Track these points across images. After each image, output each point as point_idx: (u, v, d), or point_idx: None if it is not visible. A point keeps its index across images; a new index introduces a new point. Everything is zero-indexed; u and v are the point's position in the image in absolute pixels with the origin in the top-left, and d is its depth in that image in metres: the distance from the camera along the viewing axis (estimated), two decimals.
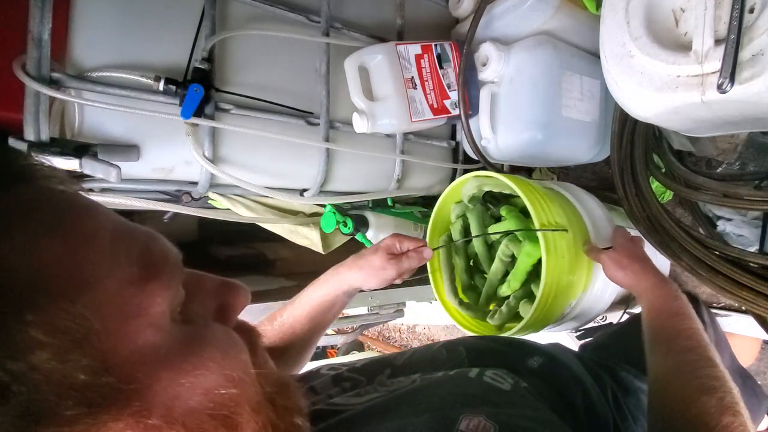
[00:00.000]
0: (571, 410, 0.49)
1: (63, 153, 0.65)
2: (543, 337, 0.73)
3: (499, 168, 1.10)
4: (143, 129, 0.75)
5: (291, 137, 0.85)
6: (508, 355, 0.54)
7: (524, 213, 0.76)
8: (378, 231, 0.99)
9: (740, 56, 0.48)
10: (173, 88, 0.74)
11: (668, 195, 1.11)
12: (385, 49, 0.91)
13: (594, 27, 0.69)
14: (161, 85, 0.73)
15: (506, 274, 0.78)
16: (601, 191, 1.15)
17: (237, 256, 1.33)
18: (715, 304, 1.12)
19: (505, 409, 0.34)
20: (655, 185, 0.98)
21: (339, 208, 0.98)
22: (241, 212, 0.91)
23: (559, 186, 0.83)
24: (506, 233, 0.75)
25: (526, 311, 0.70)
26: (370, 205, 1.03)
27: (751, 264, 0.74)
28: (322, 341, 0.68)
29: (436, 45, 0.96)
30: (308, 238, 1.00)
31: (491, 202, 0.84)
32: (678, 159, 0.88)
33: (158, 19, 0.76)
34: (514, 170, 1.20)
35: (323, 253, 1.01)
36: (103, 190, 0.78)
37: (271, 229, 0.99)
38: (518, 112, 0.92)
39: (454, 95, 0.97)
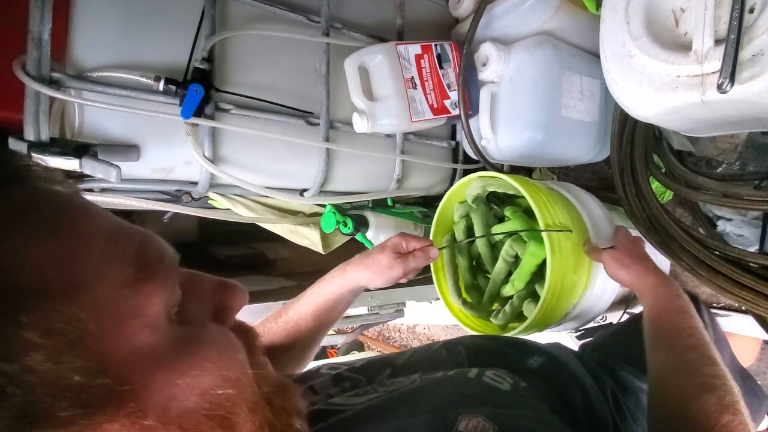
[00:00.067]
0: (570, 410, 0.49)
1: (63, 153, 0.65)
2: (543, 337, 0.73)
3: (499, 168, 1.10)
4: (143, 129, 0.75)
5: (291, 137, 0.85)
6: (507, 354, 0.54)
7: (528, 213, 0.76)
8: (378, 231, 0.99)
9: (740, 56, 0.48)
10: (173, 88, 0.74)
11: (668, 195, 1.11)
12: (385, 49, 0.91)
13: (594, 27, 0.69)
14: (161, 85, 0.73)
15: (509, 274, 0.79)
16: (601, 191, 1.15)
17: (237, 256, 1.33)
18: (715, 304, 1.12)
19: (505, 410, 0.34)
20: (655, 185, 0.98)
21: (339, 208, 0.98)
22: (241, 212, 0.91)
23: (559, 186, 0.83)
24: (510, 233, 0.75)
25: (530, 311, 0.70)
26: (370, 205, 1.03)
27: (751, 264, 0.74)
28: (323, 341, 0.68)
29: (436, 45, 0.96)
30: (308, 238, 1.00)
31: (495, 203, 0.84)
32: (678, 159, 0.89)
33: (158, 19, 0.76)
34: (514, 170, 1.20)
35: (323, 253, 1.01)
36: (103, 190, 0.78)
37: (271, 229, 0.99)
38: (518, 112, 0.92)
39: (454, 95, 0.97)
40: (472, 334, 0.75)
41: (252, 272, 1.25)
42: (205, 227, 1.39)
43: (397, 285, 0.67)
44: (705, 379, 0.43)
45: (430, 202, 1.18)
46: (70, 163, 0.65)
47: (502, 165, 1.14)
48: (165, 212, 0.90)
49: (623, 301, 1.04)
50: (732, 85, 0.48)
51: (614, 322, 1.06)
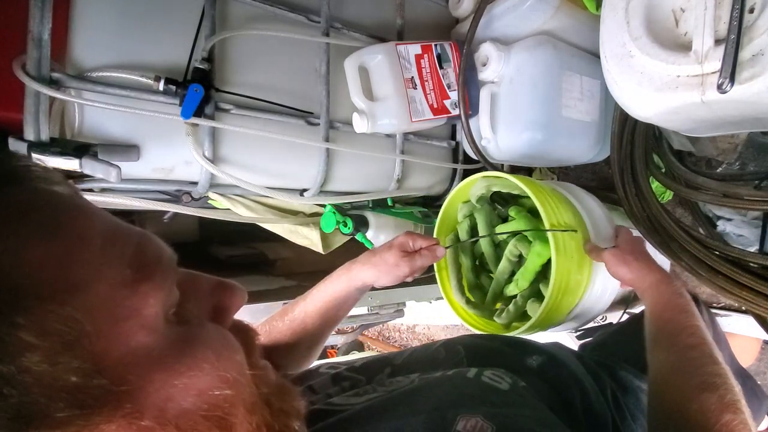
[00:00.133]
0: (569, 409, 0.49)
1: (63, 153, 0.65)
2: (543, 337, 0.73)
3: (498, 168, 1.10)
4: (143, 129, 0.75)
5: (291, 137, 0.85)
6: (507, 354, 0.54)
7: (532, 213, 0.76)
8: (378, 231, 0.99)
9: (740, 56, 0.48)
10: (173, 88, 0.74)
11: (668, 195, 1.11)
12: (385, 49, 0.91)
13: (594, 27, 0.69)
14: (161, 85, 0.73)
15: (513, 273, 0.79)
16: (601, 191, 1.15)
17: (237, 256, 1.33)
18: (715, 304, 1.12)
19: (503, 409, 0.34)
20: (655, 185, 0.98)
21: (339, 208, 0.98)
22: (241, 212, 0.91)
23: (559, 186, 0.83)
24: (515, 233, 0.75)
25: (534, 310, 0.70)
26: (370, 205, 1.03)
27: (751, 264, 0.74)
28: None
29: (436, 45, 0.96)
30: (308, 238, 1.00)
31: (499, 203, 0.84)
32: (678, 159, 0.89)
33: (158, 19, 0.76)
34: (514, 170, 1.20)
35: (323, 253, 1.01)
36: (103, 190, 0.78)
37: (271, 229, 0.99)
38: (518, 112, 0.92)
39: (454, 95, 0.97)
40: (471, 334, 0.75)
41: (252, 272, 1.25)
42: (205, 227, 1.39)
43: (398, 284, 0.67)
44: (706, 378, 0.43)
45: (430, 202, 1.18)
46: (70, 163, 0.65)
47: (502, 165, 1.14)
48: (165, 212, 0.90)
49: (623, 301, 1.04)
50: (732, 85, 0.48)
51: (614, 322, 1.06)
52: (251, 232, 1.27)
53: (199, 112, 0.76)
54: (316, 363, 0.63)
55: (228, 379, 0.26)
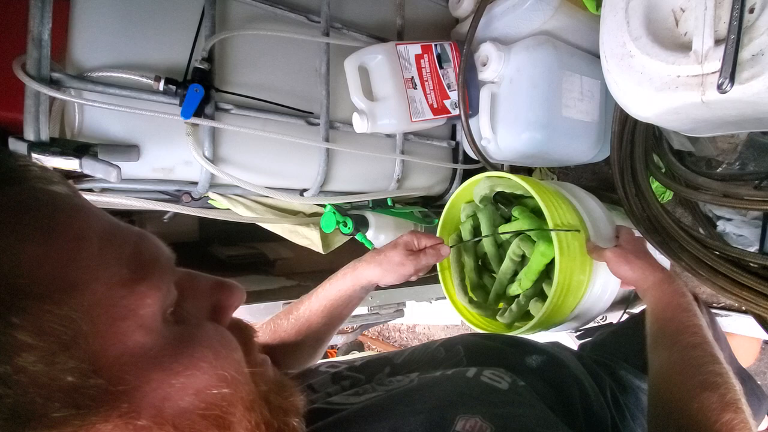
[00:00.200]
0: (568, 409, 0.49)
1: (63, 153, 0.65)
2: (542, 337, 0.73)
3: (498, 168, 1.10)
4: (143, 129, 0.75)
5: (291, 137, 0.85)
6: (506, 353, 0.54)
7: (535, 213, 0.76)
8: (378, 231, 0.99)
9: (740, 56, 0.48)
10: (173, 88, 0.74)
11: (668, 195, 1.11)
12: (385, 49, 0.91)
13: (594, 27, 0.69)
14: (161, 85, 0.73)
15: (515, 273, 0.79)
16: (601, 191, 1.15)
17: (237, 255, 1.33)
18: (715, 304, 1.12)
19: (502, 409, 0.34)
20: (655, 185, 0.98)
21: (339, 208, 0.98)
22: (241, 212, 0.91)
23: (559, 186, 0.83)
24: (518, 233, 0.75)
25: (537, 310, 0.71)
26: (370, 205, 1.03)
27: (751, 264, 0.74)
28: None
29: (436, 45, 0.96)
30: (308, 238, 1.00)
31: (502, 203, 0.84)
32: (678, 159, 0.89)
33: (158, 19, 0.76)
34: (514, 170, 1.20)
35: (323, 253, 1.01)
36: (103, 190, 0.78)
37: (271, 229, 0.99)
38: (518, 112, 0.92)
39: (454, 95, 0.97)
40: (470, 333, 0.75)
41: (252, 272, 1.25)
42: (205, 227, 1.39)
43: (399, 284, 0.68)
44: (707, 377, 0.43)
45: (430, 202, 1.18)
46: (70, 163, 0.65)
47: (502, 165, 1.14)
48: (165, 212, 0.90)
49: (623, 301, 1.04)
50: (732, 85, 0.48)
51: (614, 322, 1.06)
52: (251, 232, 1.27)
53: (199, 112, 0.76)
54: (314, 361, 0.63)
55: (226, 377, 0.26)
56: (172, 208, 0.84)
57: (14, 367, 0.20)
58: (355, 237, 0.99)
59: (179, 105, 0.75)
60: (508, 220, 0.83)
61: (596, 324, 1.09)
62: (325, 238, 1.00)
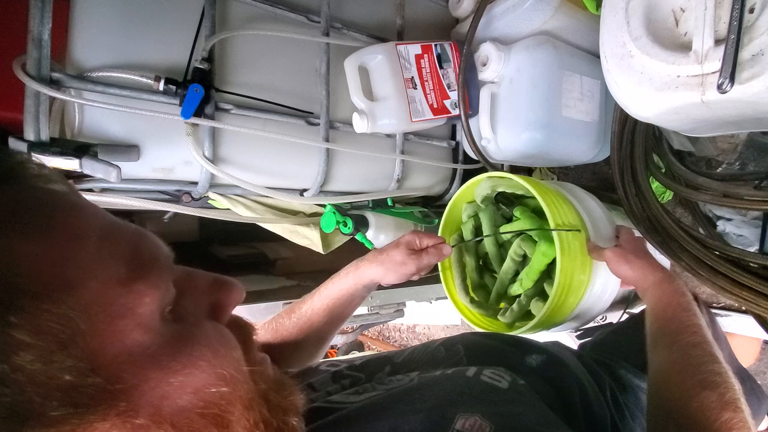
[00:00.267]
0: (568, 408, 0.49)
1: (63, 153, 0.65)
2: (542, 336, 0.73)
3: (498, 168, 1.10)
4: (143, 129, 0.75)
5: (291, 137, 0.85)
6: (506, 353, 0.54)
7: (536, 213, 0.76)
8: (378, 231, 0.99)
9: (740, 56, 0.48)
10: (173, 88, 0.74)
11: (668, 195, 1.11)
12: (385, 49, 0.91)
13: (594, 27, 0.69)
14: (161, 85, 0.73)
15: (517, 273, 0.79)
16: (601, 191, 1.15)
17: (237, 255, 1.33)
18: (715, 304, 1.12)
19: (502, 408, 0.34)
20: (655, 185, 0.98)
21: (339, 208, 0.98)
22: (241, 212, 0.91)
23: (559, 186, 0.83)
24: (519, 233, 0.75)
25: (538, 309, 0.71)
26: (370, 205, 1.03)
27: (751, 264, 0.74)
28: None
29: (436, 45, 0.96)
30: (308, 238, 1.00)
31: (503, 203, 0.84)
32: (678, 159, 0.89)
33: (158, 19, 0.76)
34: (514, 170, 1.20)
35: (323, 253, 1.01)
36: (103, 190, 0.78)
37: (271, 229, 0.99)
38: (518, 112, 0.92)
39: (454, 95, 0.97)
40: (471, 332, 0.75)
41: (252, 272, 1.25)
42: (205, 227, 1.39)
43: (399, 284, 0.68)
44: (707, 376, 0.43)
45: (430, 202, 1.18)
46: (70, 163, 0.65)
47: (502, 165, 1.14)
48: (165, 212, 0.90)
49: (623, 301, 1.04)
50: (732, 85, 0.48)
51: (614, 321, 1.06)
52: (251, 232, 1.27)
53: (199, 112, 0.76)
54: (315, 361, 0.63)
55: (225, 376, 0.26)
56: (172, 208, 0.84)
57: (12, 365, 0.20)
58: (355, 237, 0.99)
59: (179, 105, 0.75)
60: (509, 220, 0.83)
61: (596, 324, 1.09)
62: (325, 238, 1.00)
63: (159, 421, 0.23)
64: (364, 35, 0.96)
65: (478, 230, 0.83)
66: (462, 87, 0.95)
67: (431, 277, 0.86)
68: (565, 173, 1.38)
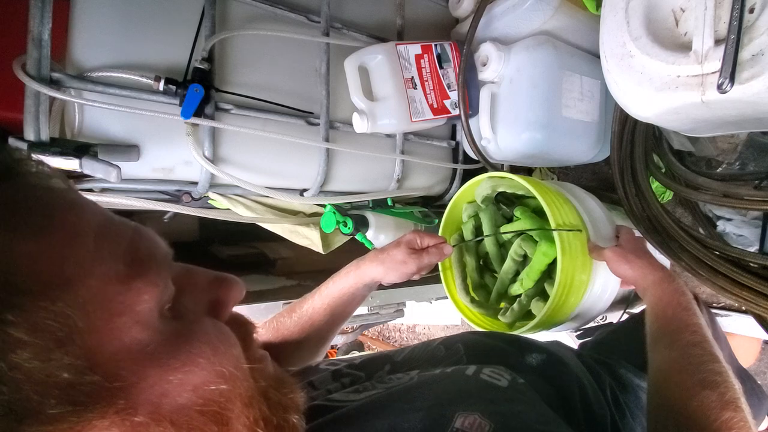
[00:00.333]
0: (568, 407, 0.49)
1: (63, 153, 0.65)
2: (542, 335, 0.73)
3: (499, 168, 1.10)
4: (143, 129, 0.75)
5: (291, 137, 0.85)
6: (506, 352, 0.54)
7: (536, 213, 0.77)
8: (378, 231, 0.99)
9: (740, 56, 0.48)
10: (173, 88, 0.74)
11: (668, 195, 1.11)
12: (385, 49, 0.91)
13: (594, 27, 0.69)
14: (161, 85, 0.73)
15: (517, 273, 0.79)
16: (601, 191, 1.15)
17: (238, 255, 1.33)
18: (715, 304, 1.12)
19: (502, 406, 0.34)
20: (655, 185, 0.98)
21: (339, 208, 0.98)
22: (241, 212, 0.91)
23: (559, 186, 0.83)
24: (520, 233, 0.75)
25: (538, 309, 0.71)
26: (370, 205, 1.03)
27: (751, 264, 0.74)
28: None
29: (436, 45, 0.96)
30: (308, 238, 1.00)
31: (504, 203, 0.85)
32: (678, 159, 0.89)
33: (158, 19, 0.76)
34: (514, 170, 1.20)
35: (323, 253, 1.01)
36: (103, 190, 0.78)
37: (271, 229, 0.99)
38: (518, 112, 0.92)
39: (454, 95, 0.97)
40: (470, 331, 0.75)
41: (252, 272, 1.25)
42: (205, 227, 1.39)
43: (399, 284, 0.68)
44: (707, 375, 0.43)
45: (430, 202, 1.18)
46: (70, 163, 0.65)
47: (502, 165, 1.14)
48: (165, 212, 0.90)
49: (623, 301, 1.04)
50: (732, 85, 0.48)
51: (614, 321, 1.06)
52: (252, 232, 1.27)
53: (199, 112, 0.76)
54: (316, 360, 0.63)
55: (224, 373, 0.26)
56: (172, 208, 0.84)
57: (9, 363, 0.20)
58: (355, 237, 0.99)
59: (179, 105, 0.75)
60: (509, 220, 0.83)
61: (596, 324, 1.09)
62: (325, 238, 1.00)
63: (158, 419, 0.23)
64: (364, 35, 0.96)
65: (478, 230, 0.83)
66: (462, 87, 0.95)
67: (431, 277, 0.86)
68: (565, 173, 1.38)
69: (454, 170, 1.13)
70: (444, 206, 0.89)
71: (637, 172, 0.90)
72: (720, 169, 0.99)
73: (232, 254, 1.32)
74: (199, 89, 0.74)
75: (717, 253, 0.78)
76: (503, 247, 0.83)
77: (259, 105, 0.84)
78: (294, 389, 0.32)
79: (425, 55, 0.95)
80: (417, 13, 1.04)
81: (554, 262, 0.70)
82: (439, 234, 0.86)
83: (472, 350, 0.51)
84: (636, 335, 0.60)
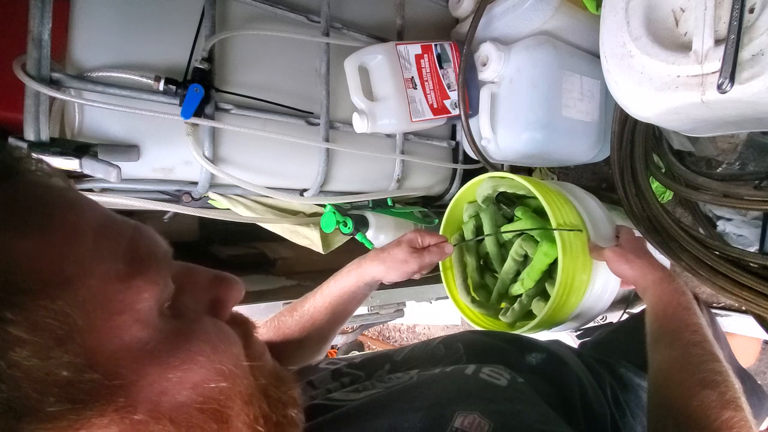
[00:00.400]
0: (568, 406, 0.49)
1: (63, 153, 0.65)
2: (542, 335, 0.73)
3: (499, 168, 1.10)
4: (143, 129, 0.75)
5: (291, 137, 0.85)
6: (506, 351, 0.54)
7: (537, 213, 0.77)
8: (378, 231, 0.99)
9: (740, 56, 0.48)
10: (173, 88, 0.74)
11: (668, 195, 1.11)
12: (385, 49, 0.91)
13: (594, 27, 0.69)
14: (161, 85, 0.73)
15: (518, 273, 0.79)
16: (601, 191, 1.15)
17: (238, 255, 1.33)
18: (715, 304, 1.12)
19: (501, 406, 0.34)
20: (655, 185, 0.98)
21: (339, 208, 0.98)
22: (241, 212, 0.91)
23: (559, 186, 0.83)
24: (521, 232, 0.76)
25: (539, 309, 0.71)
26: (370, 205, 1.03)
27: (751, 264, 0.74)
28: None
29: (436, 45, 0.96)
30: (308, 238, 1.00)
31: (504, 203, 0.85)
32: (678, 159, 0.89)
33: (158, 19, 0.76)
34: (514, 170, 1.20)
35: (323, 253, 1.01)
36: (103, 190, 0.78)
37: (271, 229, 0.99)
38: (518, 112, 0.92)
39: (454, 95, 0.97)
40: (470, 330, 0.75)
41: (252, 272, 1.25)
42: (205, 227, 1.39)
43: (399, 284, 0.68)
44: (707, 375, 0.43)
45: (430, 202, 1.18)
46: (70, 163, 0.65)
47: (502, 165, 1.14)
48: (165, 212, 0.90)
49: (623, 301, 1.04)
50: (732, 85, 0.48)
51: (614, 321, 1.06)
52: (252, 232, 1.27)
53: (199, 112, 0.76)
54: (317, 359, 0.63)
55: (224, 371, 0.26)
56: (172, 208, 0.84)
57: (8, 361, 0.20)
58: (355, 237, 0.99)
59: (179, 105, 0.75)
60: (510, 220, 0.83)
61: (596, 324, 1.09)
62: (325, 238, 1.00)
63: (158, 417, 0.23)
64: (364, 35, 0.96)
65: (479, 230, 0.84)
66: (462, 87, 0.95)
67: (431, 276, 0.86)
68: (565, 173, 1.38)
69: (454, 170, 1.13)
70: (444, 206, 0.89)
71: (637, 172, 0.90)
72: (720, 169, 0.99)
73: (232, 254, 1.32)
74: (199, 89, 0.74)
75: (717, 253, 0.78)
76: (504, 247, 0.83)
77: (259, 105, 0.84)
78: (292, 385, 0.32)
79: (425, 55, 0.95)
80: (417, 13, 1.04)
81: (555, 262, 0.70)
82: (440, 232, 0.86)
83: (471, 349, 0.51)
84: (636, 335, 0.60)
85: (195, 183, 0.83)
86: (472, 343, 0.53)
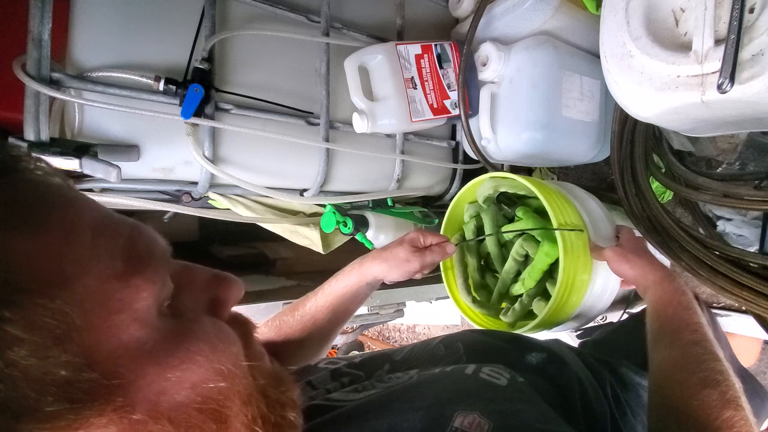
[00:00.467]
0: (568, 406, 0.49)
1: (63, 153, 0.65)
2: (543, 334, 0.73)
3: (498, 168, 1.10)
4: (143, 129, 0.75)
5: (291, 137, 0.85)
6: (506, 350, 0.54)
7: (538, 213, 0.77)
8: (378, 231, 0.99)
9: (740, 56, 0.48)
10: (173, 88, 0.74)
11: (668, 195, 1.11)
12: (385, 49, 0.91)
13: (594, 27, 0.69)
14: (161, 85, 0.73)
15: (518, 273, 0.79)
16: (601, 191, 1.15)
17: (238, 255, 1.33)
18: (715, 304, 1.12)
19: (501, 405, 0.34)
20: (655, 185, 0.98)
21: (339, 208, 0.98)
22: (241, 212, 0.91)
23: (559, 186, 0.83)
24: (522, 232, 0.76)
25: (540, 309, 0.71)
26: (370, 205, 1.03)
27: (751, 264, 0.74)
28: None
29: (436, 45, 0.96)
30: (308, 238, 1.00)
31: (505, 203, 0.85)
32: (678, 159, 0.89)
33: (158, 19, 0.76)
34: (514, 170, 1.20)
35: (323, 253, 1.01)
36: (103, 190, 0.78)
37: (271, 229, 0.99)
38: (518, 112, 0.92)
39: (454, 95, 0.97)
40: (470, 330, 0.75)
41: (252, 272, 1.25)
42: (205, 227, 1.39)
43: (399, 284, 0.68)
44: (708, 374, 0.43)
45: (430, 202, 1.18)
46: (70, 163, 0.65)
47: (502, 165, 1.14)
48: (165, 212, 0.90)
49: (623, 301, 1.04)
50: (732, 85, 0.48)
51: (614, 321, 1.06)
52: (251, 232, 1.27)
53: (199, 112, 0.76)
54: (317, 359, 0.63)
55: (223, 371, 0.26)
56: (172, 208, 0.84)
57: (5, 361, 0.19)
58: (355, 237, 0.99)
59: (179, 105, 0.75)
60: (511, 220, 0.83)
61: (596, 323, 1.09)
62: (325, 238, 1.00)
63: (156, 417, 0.23)
64: (364, 35, 0.96)
65: (480, 230, 0.84)
66: (462, 87, 0.95)
67: (431, 276, 0.86)
68: (565, 173, 1.38)
69: (454, 170, 1.13)
70: (444, 206, 0.89)
71: (637, 172, 0.90)
72: (720, 169, 0.99)
73: (232, 254, 1.32)
74: (199, 89, 0.74)
75: (717, 253, 0.78)
76: (504, 247, 0.84)
77: (259, 105, 0.84)
78: (291, 385, 0.32)
79: (425, 55, 0.95)
80: (417, 13, 1.04)
81: (556, 261, 0.70)
82: (441, 232, 0.86)
83: (471, 349, 0.51)
84: (636, 334, 0.60)
85: (195, 183, 0.83)
86: (472, 342, 0.53)
